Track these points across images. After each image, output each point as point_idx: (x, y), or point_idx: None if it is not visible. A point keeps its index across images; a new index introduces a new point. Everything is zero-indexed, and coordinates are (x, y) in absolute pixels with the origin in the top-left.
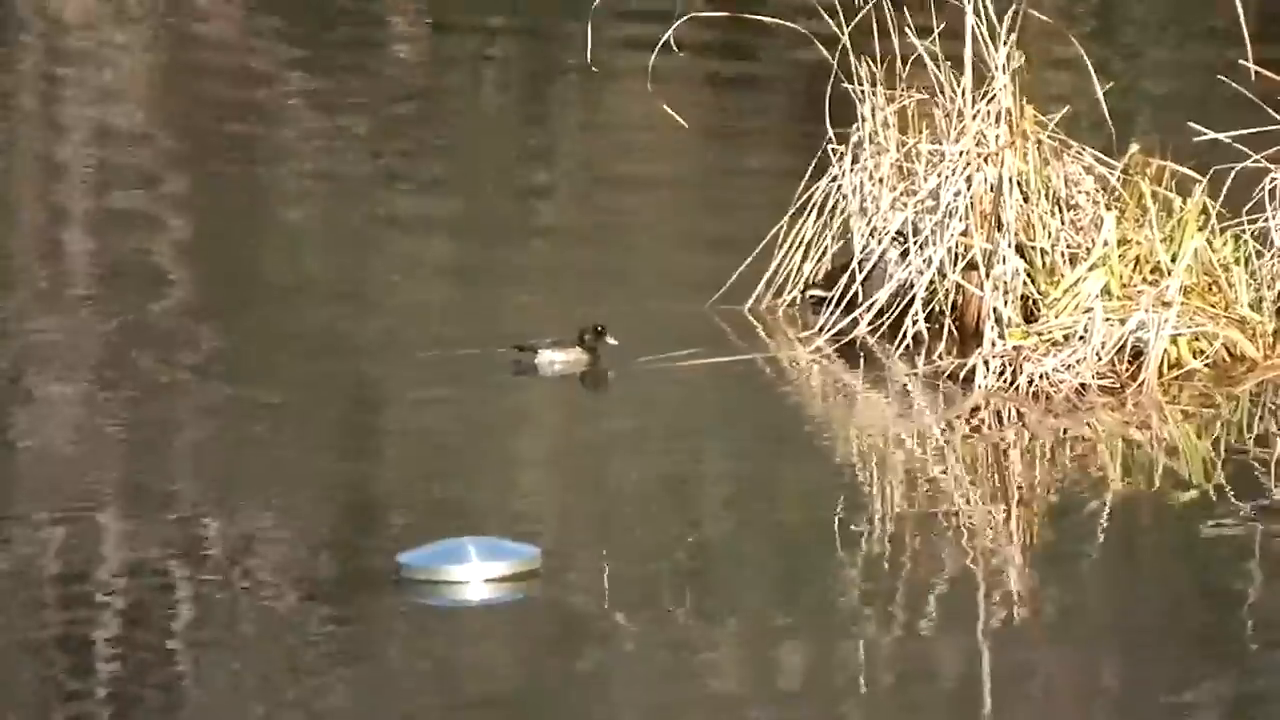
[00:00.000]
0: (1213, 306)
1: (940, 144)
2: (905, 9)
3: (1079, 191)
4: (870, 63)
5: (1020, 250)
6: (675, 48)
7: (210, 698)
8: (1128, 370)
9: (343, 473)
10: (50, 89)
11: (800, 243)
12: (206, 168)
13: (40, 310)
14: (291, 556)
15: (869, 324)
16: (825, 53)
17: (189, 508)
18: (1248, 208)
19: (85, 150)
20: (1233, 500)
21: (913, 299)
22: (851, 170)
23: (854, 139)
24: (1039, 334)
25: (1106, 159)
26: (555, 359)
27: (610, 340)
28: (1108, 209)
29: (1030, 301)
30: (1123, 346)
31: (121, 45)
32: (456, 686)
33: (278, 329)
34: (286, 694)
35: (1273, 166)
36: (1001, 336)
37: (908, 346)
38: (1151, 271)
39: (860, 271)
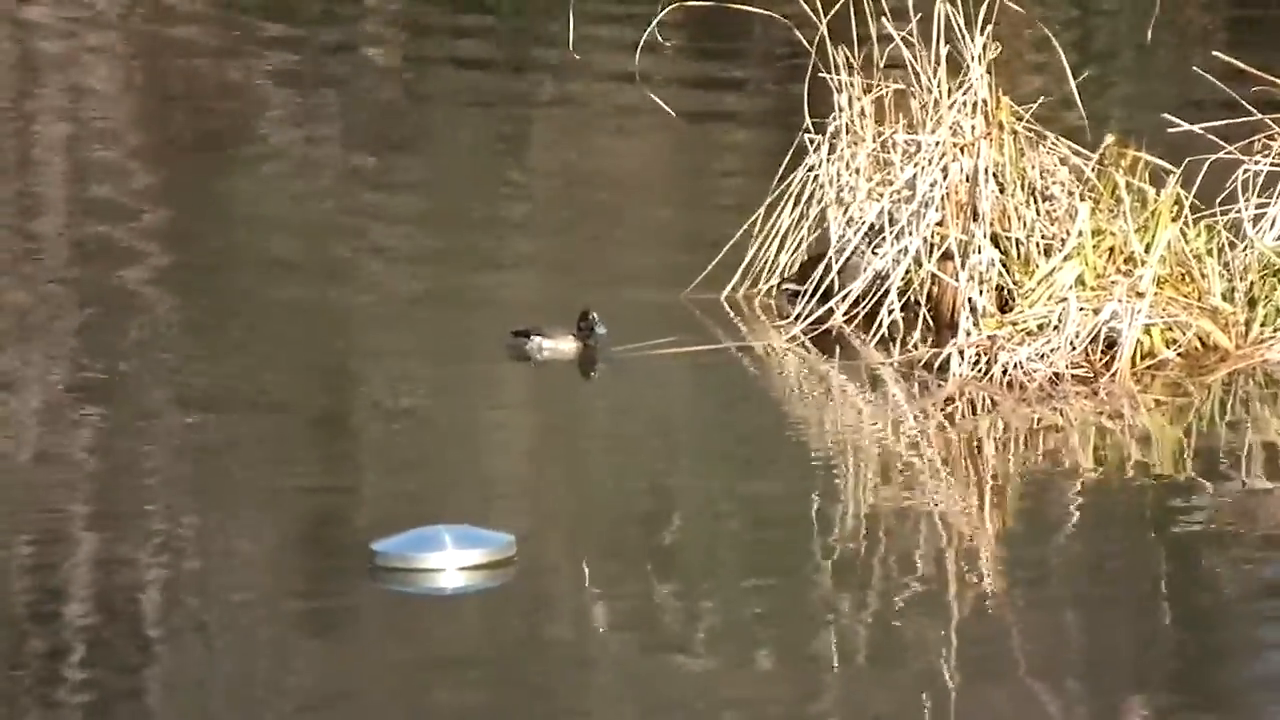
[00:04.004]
0: (1186, 297)
1: (916, 134)
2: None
3: (1054, 182)
4: (848, 52)
5: (995, 240)
6: (660, 38)
7: (182, 674)
8: (1101, 360)
9: (318, 459)
10: (24, 83)
11: (777, 233)
12: (178, 165)
13: (12, 301)
14: (265, 542)
15: (845, 313)
16: (802, 39)
17: (162, 495)
18: (1221, 199)
19: (57, 144)
20: (1204, 488)
21: (888, 289)
22: (828, 160)
23: (830, 129)
24: (1013, 324)
25: (1081, 150)
26: (545, 345)
27: (599, 329)
28: (1082, 200)
29: (1005, 291)
30: (1096, 336)
31: (95, 47)
32: (429, 667)
33: (252, 316)
34: (258, 672)
35: (1245, 158)
36: (976, 326)
37: (883, 336)
38: (1125, 262)
39: (836, 261)
